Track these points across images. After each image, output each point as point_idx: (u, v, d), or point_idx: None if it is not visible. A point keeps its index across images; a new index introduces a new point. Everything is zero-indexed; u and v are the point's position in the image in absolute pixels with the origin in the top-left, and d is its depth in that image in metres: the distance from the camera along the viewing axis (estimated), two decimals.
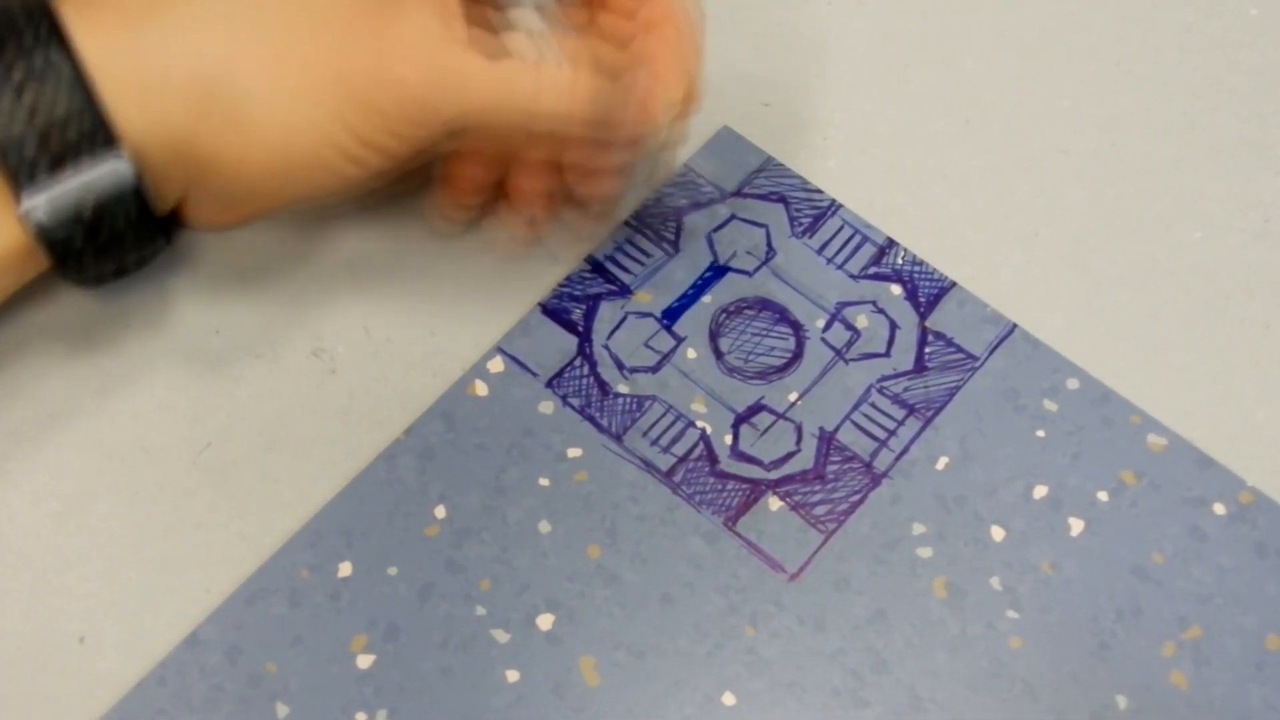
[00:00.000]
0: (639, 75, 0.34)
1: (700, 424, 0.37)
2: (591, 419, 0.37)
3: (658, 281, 0.39)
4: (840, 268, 0.39)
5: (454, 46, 0.32)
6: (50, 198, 0.30)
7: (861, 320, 0.38)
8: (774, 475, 0.36)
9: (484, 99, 0.32)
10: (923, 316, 0.39)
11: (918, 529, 0.35)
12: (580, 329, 0.38)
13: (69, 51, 0.30)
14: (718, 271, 0.39)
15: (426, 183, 0.38)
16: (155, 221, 0.33)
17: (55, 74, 0.30)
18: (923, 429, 0.37)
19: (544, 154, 0.36)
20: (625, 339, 0.38)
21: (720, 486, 0.36)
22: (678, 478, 0.36)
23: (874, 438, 0.37)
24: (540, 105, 0.32)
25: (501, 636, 0.34)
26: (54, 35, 0.30)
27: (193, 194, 0.34)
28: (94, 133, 0.30)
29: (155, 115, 0.31)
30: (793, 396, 0.37)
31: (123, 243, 0.32)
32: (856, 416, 0.37)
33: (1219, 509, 0.36)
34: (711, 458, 0.36)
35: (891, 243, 0.40)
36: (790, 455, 0.36)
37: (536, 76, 0.32)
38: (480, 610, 0.34)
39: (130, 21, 0.31)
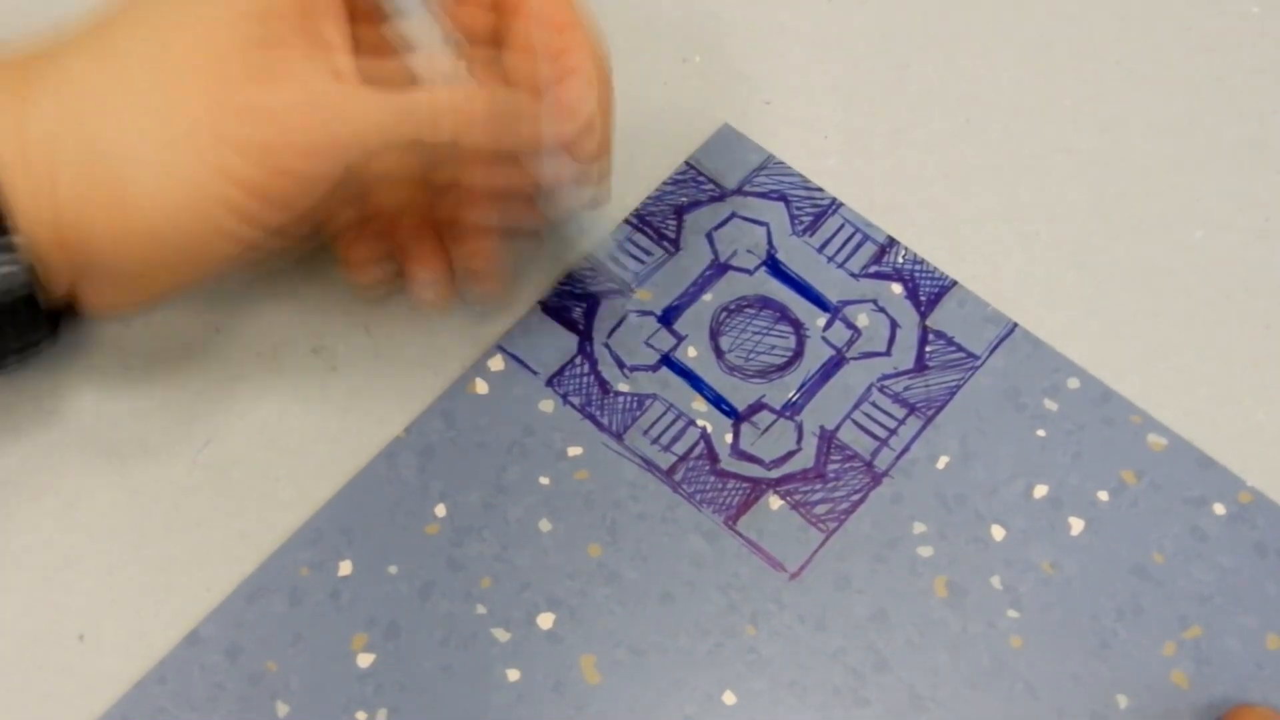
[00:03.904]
0: (556, 82, 0.32)
1: (701, 423, 0.37)
2: (592, 417, 0.37)
3: (658, 280, 0.39)
4: (841, 266, 0.39)
5: (337, 81, 0.30)
6: None
7: (862, 319, 0.38)
8: (774, 474, 0.36)
9: (377, 124, 0.30)
10: (923, 315, 0.39)
11: (918, 528, 0.35)
12: (581, 327, 0.38)
13: None
14: (718, 270, 0.39)
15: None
16: (41, 316, 0.31)
17: None
18: (923, 428, 0.37)
19: (452, 192, 0.34)
20: (626, 337, 0.38)
21: (721, 485, 0.36)
22: (678, 476, 0.36)
23: (875, 437, 0.37)
24: (440, 128, 0.30)
25: (502, 635, 0.34)
26: None
27: (83, 281, 0.32)
28: None
29: (43, 198, 0.29)
30: (793, 395, 0.37)
31: (2, 339, 0.31)
32: (857, 415, 0.37)
33: (1219, 509, 0.36)
34: (712, 456, 0.36)
35: (892, 241, 0.40)
36: (791, 454, 0.36)
37: (432, 98, 0.30)
38: (481, 609, 0.34)
39: (15, 87, 0.29)
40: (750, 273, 0.39)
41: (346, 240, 0.36)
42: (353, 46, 0.32)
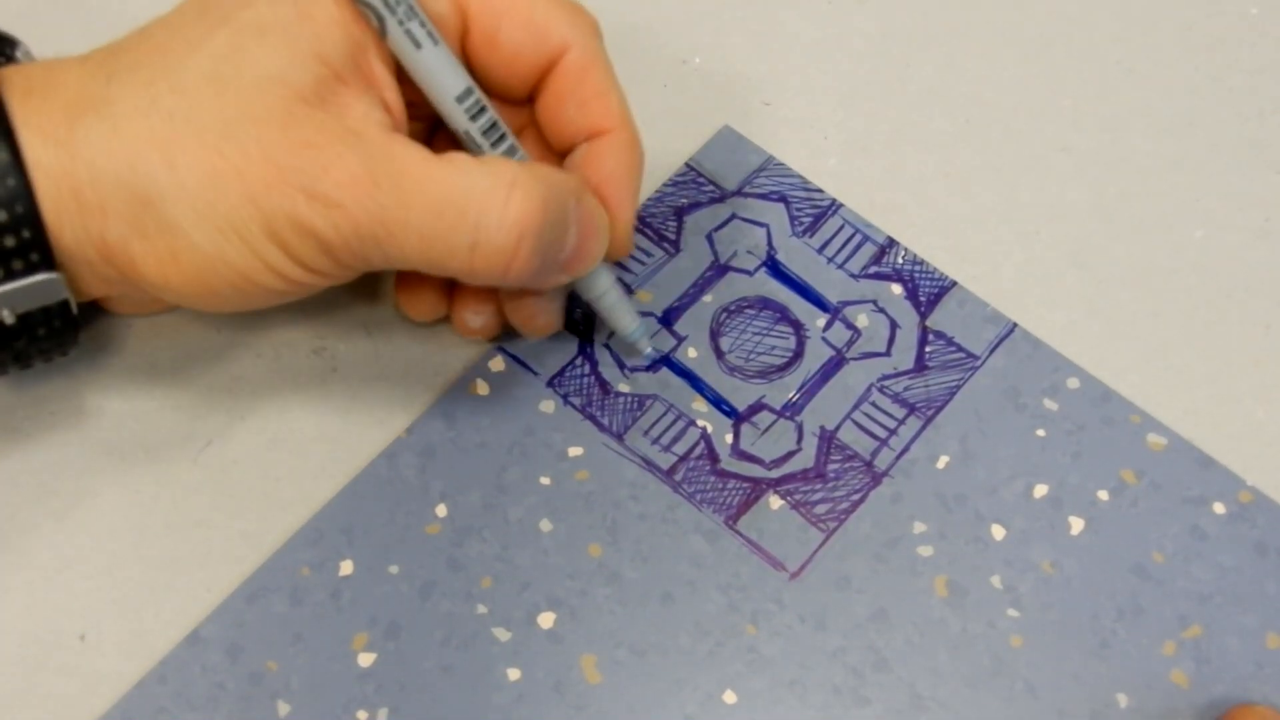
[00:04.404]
0: (585, 205, 0.32)
1: (701, 423, 0.37)
2: (592, 418, 0.37)
3: (658, 281, 0.39)
4: (841, 267, 0.39)
5: (395, 143, 0.29)
6: None
7: (862, 319, 0.39)
8: (775, 474, 0.36)
9: (419, 236, 0.29)
10: (923, 316, 0.39)
11: (918, 528, 0.35)
12: (581, 328, 0.38)
13: (14, 152, 0.28)
14: (718, 271, 0.39)
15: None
16: (73, 320, 0.31)
17: None
18: (923, 428, 0.37)
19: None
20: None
21: (721, 485, 0.36)
22: (679, 476, 0.36)
23: (875, 437, 0.37)
24: (476, 261, 0.30)
25: (503, 634, 0.34)
26: (3, 132, 0.29)
27: (118, 293, 0.33)
28: (30, 245, 0.29)
29: (91, 222, 0.29)
30: (793, 395, 0.37)
31: (35, 344, 0.31)
32: (857, 415, 0.37)
33: (1219, 508, 0.36)
34: (712, 456, 0.36)
35: (892, 242, 0.40)
36: (791, 454, 0.36)
37: (476, 226, 0.29)
38: (481, 608, 0.34)
39: (71, 113, 0.29)
40: (750, 274, 0.39)
41: (401, 288, 0.36)
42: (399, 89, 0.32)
